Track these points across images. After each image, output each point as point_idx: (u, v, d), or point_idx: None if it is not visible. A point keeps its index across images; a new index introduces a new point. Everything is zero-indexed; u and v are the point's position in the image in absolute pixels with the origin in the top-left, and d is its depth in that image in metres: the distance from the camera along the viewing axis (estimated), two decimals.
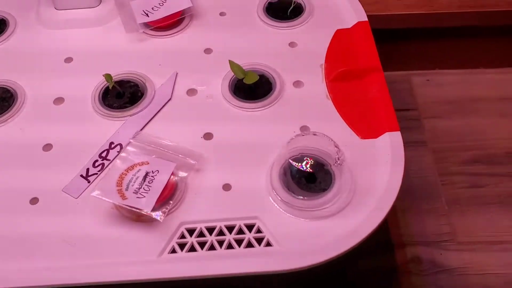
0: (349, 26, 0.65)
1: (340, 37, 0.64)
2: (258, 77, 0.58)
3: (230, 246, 0.49)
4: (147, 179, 0.50)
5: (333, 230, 0.48)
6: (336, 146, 0.49)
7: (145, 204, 0.48)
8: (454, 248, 0.76)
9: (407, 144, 0.87)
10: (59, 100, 0.61)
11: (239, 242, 0.49)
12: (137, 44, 0.66)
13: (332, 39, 0.64)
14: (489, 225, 0.77)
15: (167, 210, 0.49)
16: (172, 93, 0.60)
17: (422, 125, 0.89)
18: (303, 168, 0.49)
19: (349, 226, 0.48)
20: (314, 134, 0.50)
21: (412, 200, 0.79)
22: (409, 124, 0.89)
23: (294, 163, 0.48)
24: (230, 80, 0.61)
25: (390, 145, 0.53)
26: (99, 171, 0.54)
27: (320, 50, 0.63)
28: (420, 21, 0.92)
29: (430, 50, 0.97)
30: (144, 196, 0.49)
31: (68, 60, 0.65)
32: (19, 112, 0.60)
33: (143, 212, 0.48)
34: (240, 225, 0.50)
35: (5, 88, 0.62)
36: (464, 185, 0.82)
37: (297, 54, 0.63)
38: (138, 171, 0.51)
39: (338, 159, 0.48)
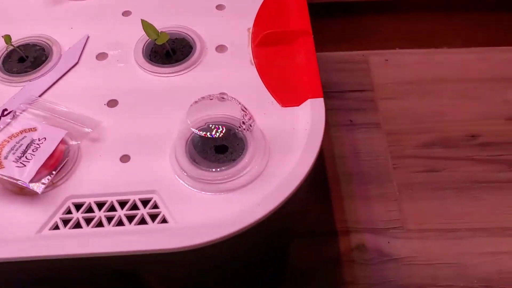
0: None
1: (270, 1, 0.58)
2: (169, 36, 0.52)
3: (120, 223, 0.43)
4: (32, 147, 0.44)
5: (237, 204, 0.43)
6: (243, 109, 0.43)
7: (24, 174, 0.43)
8: (403, 236, 0.70)
9: (359, 126, 0.83)
10: None
11: (131, 218, 0.43)
12: (50, 6, 0.60)
13: (263, 2, 0.58)
14: (441, 212, 0.72)
15: (48, 181, 0.43)
16: (80, 57, 0.54)
17: (376, 106, 0.83)
18: (212, 135, 0.43)
19: (255, 200, 0.43)
20: (222, 98, 0.44)
21: (360, 185, 0.74)
22: (363, 105, 0.83)
23: (201, 133, 0.43)
24: (145, 44, 0.55)
25: (310, 113, 0.48)
26: None
27: (250, 13, 0.57)
28: None
29: (389, 27, 0.91)
30: (25, 165, 0.43)
31: None
32: None
33: (19, 183, 0.42)
34: (134, 200, 0.44)
35: None
36: (418, 169, 0.77)
37: (224, 18, 0.58)
38: (22, 138, 0.45)
39: (243, 123, 0.42)
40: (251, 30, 0.56)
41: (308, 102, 0.48)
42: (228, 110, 0.45)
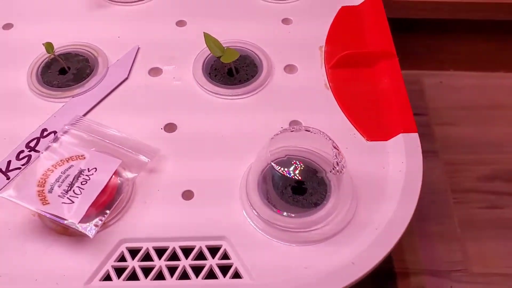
0: (357, 3, 0.53)
1: (346, 15, 0.52)
2: (239, 54, 0.45)
3: (184, 275, 0.36)
4: (80, 179, 0.38)
5: (323, 259, 0.36)
6: (335, 147, 0.36)
7: (72, 213, 0.36)
8: (467, 280, 0.63)
9: None
10: None
11: (197, 270, 0.36)
12: (93, 11, 0.53)
13: (335, 17, 0.52)
14: (508, 254, 0.65)
15: (101, 223, 0.36)
16: (130, 72, 0.48)
17: (432, 132, 0.77)
18: (289, 174, 0.36)
19: (346, 256, 0.36)
20: (307, 130, 0.37)
21: (419, 220, 0.67)
22: (418, 130, 0.76)
23: (277, 168, 0.36)
24: (205, 60, 0.48)
25: (404, 150, 0.41)
26: (23, 165, 0.41)
27: (320, 29, 0.51)
28: (435, 11, 0.80)
29: (444, 47, 0.85)
30: (73, 202, 0.36)
31: (8, 26, 0.52)
32: None
33: (67, 223, 0.35)
34: (200, 247, 0.37)
35: None
36: (480, 205, 0.70)
37: (291, 33, 0.51)
38: (69, 167, 0.38)
39: (337, 164, 0.35)
40: (323, 49, 0.49)
41: (400, 137, 0.42)
42: (311, 144, 0.38)
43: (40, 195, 0.36)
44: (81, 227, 0.35)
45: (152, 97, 0.46)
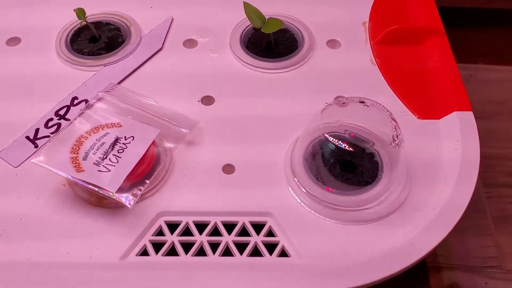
0: None
1: None
2: (282, 23, 0.43)
3: (227, 252, 0.33)
4: (116, 147, 0.35)
5: (379, 240, 0.33)
6: (394, 120, 0.34)
7: (109, 182, 0.33)
8: (502, 277, 0.60)
9: None
10: (14, 40, 0.45)
11: (241, 247, 0.33)
12: None
13: None
14: None
15: (140, 193, 0.34)
16: (163, 42, 0.45)
17: None
18: (343, 147, 0.33)
19: (401, 237, 0.33)
20: (361, 102, 0.35)
21: None
22: None
23: (332, 139, 0.33)
24: (243, 32, 0.46)
25: (459, 129, 0.38)
26: (52, 133, 0.39)
27: (364, 3, 0.48)
28: (465, 1, 0.77)
29: (473, 39, 0.82)
30: (109, 170, 0.34)
31: None
32: None
33: (104, 193, 0.33)
34: (244, 223, 0.34)
35: None
36: None
37: (332, 7, 0.48)
38: (105, 134, 0.36)
39: (397, 137, 0.33)
40: (367, 25, 0.47)
41: (454, 115, 0.39)
42: (364, 118, 0.36)
43: (74, 162, 0.34)
44: (118, 197, 0.33)
45: (187, 69, 0.43)
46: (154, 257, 0.33)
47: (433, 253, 0.62)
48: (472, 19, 0.82)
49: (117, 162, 0.34)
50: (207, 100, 0.41)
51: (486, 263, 0.62)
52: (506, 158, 0.72)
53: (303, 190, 0.35)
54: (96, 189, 0.33)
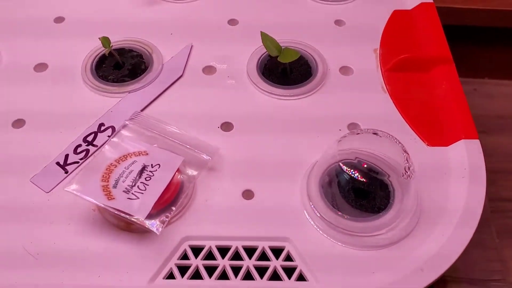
0: (410, 7, 0.53)
1: (399, 19, 0.51)
2: (299, 54, 0.45)
3: (248, 276, 0.36)
4: (144, 175, 0.37)
5: (391, 265, 0.35)
6: (405, 152, 0.36)
7: (138, 209, 0.35)
8: None
9: None
10: (41, 66, 0.48)
11: (261, 271, 0.36)
12: (146, 7, 0.53)
13: (388, 20, 0.51)
14: None
15: (167, 220, 0.36)
16: (184, 69, 0.48)
17: None
18: (356, 177, 0.36)
19: (412, 262, 0.35)
20: (375, 133, 0.37)
21: None
22: None
23: (345, 169, 0.35)
24: (259, 60, 0.48)
25: (466, 157, 0.41)
26: (81, 159, 0.41)
27: (374, 32, 0.50)
28: (470, 18, 0.79)
29: (480, 55, 0.84)
30: (138, 198, 0.36)
31: (59, 20, 0.52)
32: None
33: (133, 219, 0.35)
34: (263, 248, 0.37)
35: None
36: None
37: (344, 35, 0.51)
38: (132, 163, 0.38)
39: (408, 169, 0.35)
40: (378, 51, 0.49)
41: (462, 143, 0.41)
42: (377, 148, 0.38)
43: (105, 190, 0.36)
44: (148, 223, 0.35)
45: (207, 95, 0.46)
46: (180, 281, 0.35)
47: None
48: (478, 36, 0.84)
49: (145, 190, 0.36)
50: (226, 127, 0.43)
51: (490, 277, 0.64)
52: (510, 172, 0.74)
53: (318, 215, 0.37)
54: (127, 216, 0.35)
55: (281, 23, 0.51)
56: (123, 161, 0.38)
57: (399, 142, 0.36)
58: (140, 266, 0.35)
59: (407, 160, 0.35)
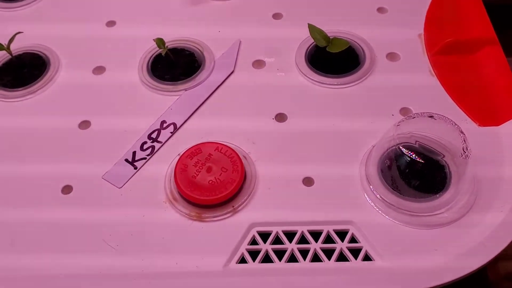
0: None
1: (440, 2, 0.52)
2: (348, 44, 0.46)
3: (316, 258, 0.38)
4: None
5: (452, 242, 0.37)
6: (462, 132, 0.37)
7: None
8: None
9: None
10: (99, 69, 0.50)
11: (328, 253, 0.38)
12: (192, 6, 0.55)
13: (430, 5, 0.52)
14: None
15: (234, 207, 0.38)
16: (235, 65, 0.49)
17: None
18: (416, 158, 0.37)
19: (473, 238, 0.37)
20: (430, 116, 0.38)
21: None
22: None
23: (405, 151, 0.37)
24: (307, 51, 0.50)
25: None
26: (148, 155, 0.43)
27: (416, 17, 0.51)
28: None
29: None
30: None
31: (110, 24, 0.54)
32: (51, 82, 0.49)
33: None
34: (328, 231, 0.38)
35: (35, 54, 0.52)
36: None
37: (388, 22, 0.52)
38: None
39: (466, 149, 0.36)
40: (423, 36, 0.50)
41: None
42: (432, 130, 0.39)
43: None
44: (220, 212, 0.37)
45: (259, 89, 0.47)
46: (252, 264, 0.37)
47: None
48: None
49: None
50: (281, 117, 0.45)
51: None
52: None
53: (379, 197, 0.39)
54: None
55: (324, 14, 0.52)
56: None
57: (455, 124, 0.38)
58: (213, 252, 0.38)
59: (464, 140, 0.37)
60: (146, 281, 0.37)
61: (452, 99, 0.45)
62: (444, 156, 0.39)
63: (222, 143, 0.42)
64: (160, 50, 0.48)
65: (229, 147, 0.41)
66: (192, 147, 0.41)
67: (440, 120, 0.38)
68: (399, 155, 0.38)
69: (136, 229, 0.39)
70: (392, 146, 0.38)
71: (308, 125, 0.44)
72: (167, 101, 0.47)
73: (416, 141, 0.38)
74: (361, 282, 0.35)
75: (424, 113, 0.38)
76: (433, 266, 0.36)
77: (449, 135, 0.38)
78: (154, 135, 0.45)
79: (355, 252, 0.37)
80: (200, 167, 0.40)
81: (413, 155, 0.37)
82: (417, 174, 0.38)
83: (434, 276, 0.35)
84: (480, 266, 0.35)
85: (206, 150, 0.41)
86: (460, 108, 0.44)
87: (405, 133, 0.38)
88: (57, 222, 0.40)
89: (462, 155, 0.36)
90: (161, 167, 0.42)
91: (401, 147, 0.37)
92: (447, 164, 0.39)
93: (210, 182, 0.39)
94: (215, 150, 0.41)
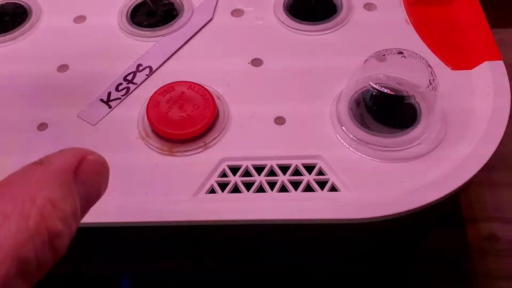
0: None
1: None
2: None
3: (284, 189, 0.38)
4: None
5: (420, 175, 0.37)
6: (429, 66, 0.37)
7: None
8: None
9: None
10: (80, 18, 0.51)
11: (295, 185, 0.38)
12: None
13: None
14: None
15: (206, 143, 0.39)
16: (213, 14, 0.50)
17: None
18: (385, 92, 0.37)
19: (440, 171, 0.37)
20: (400, 53, 0.38)
21: (485, 170, 0.67)
22: None
23: (375, 86, 0.37)
24: (285, 1, 0.50)
25: (491, 77, 0.42)
26: (123, 95, 0.44)
27: None
28: None
29: (507, 2, 0.83)
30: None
31: None
32: (33, 30, 0.50)
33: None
34: (296, 165, 0.39)
35: (17, 3, 0.52)
36: None
37: None
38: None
39: (433, 81, 0.37)
40: None
41: (486, 64, 0.42)
42: (401, 69, 0.39)
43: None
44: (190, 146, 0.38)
45: (236, 36, 0.48)
46: (221, 194, 0.38)
47: (469, 207, 0.66)
48: None
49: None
50: (257, 62, 0.46)
51: None
52: None
53: (350, 135, 0.39)
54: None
55: None
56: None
57: (423, 58, 0.38)
58: (183, 184, 0.38)
59: (431, 73, 0.37)
60: (119, 210, 0.37)
61: (427, 45, 0.45)
62: (415, 97, 0.39)
63: (195, 83, 0.42)
64: None
65: (202, 86, 0.42)
66: (165, 85, 0.42)
67: (409, 58, 0.38)
68: (367, 93, 0.38)
69: (109, 164, 0.40)
70: (361, 83, 0.39)
71: (283, 69, 0.45)
72: (145, 47, 0.48)
73: (383, 73, 0.38)
74: (327, 208, 0.36)
75: (393, 49, 0.39)
76: (399, 196, 0.36)
77: (419, 73, 0.38)
78: (129, 77, 0.45)
79: (323, 184, 0.38)
80: (173, 104, 0.41)
81: (382, 89, 0.37)
82: (385, 109, 0.39)
83: (399, 203, 0.35)
84: (444, 195, 0.35)
85: (179, 88, 0.42)
86: (434, 53, 0.44)
87: (373, 74, 0.38)
88: (32, 157, 0.40)
89: (428, 86, 0.37)
90: (135, 107, 0.43)
91: (370, 83, 0.38)
92: (417, 103, 0.40)
93: (182, 117, 0.40)
94: (188, 89, 0.41)
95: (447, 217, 0.67)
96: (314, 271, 0.50)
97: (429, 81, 0.37)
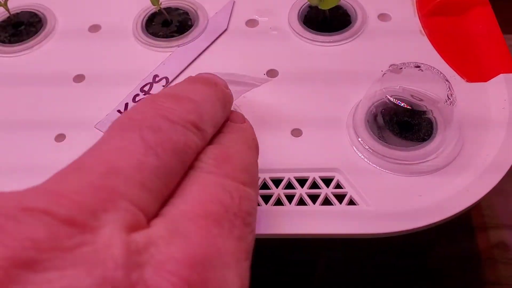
0: None
1: None
2: (339, 1, 0.47)
3: (301, 202, 0.38)
4: None
5: (438, 189, 0.37)
6: (447, 81, 0.38)
7: None
8: None
9: None
10: (95, 27, 0.51)
11: (313, 198, 0.38)
12: None
13: None
14: None
15: None
16: (228, 24, 0.50)
17: None
18: (403, 106, 0.38)
19: (458, 184, 0.37)
20: (417, 67, 0.38)
21: None
22: None
23: (392, 99, 0.37)
24: (299, 11, 0.50)
25: (506, 89, 0.42)
26: None
27: None
28: None
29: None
30: None
31: None
32: (48, 38, 0.50)
33: None
34: (314, 178, 0.39)
35: (33, 12, 0.52)
36: None
37: None
38: None
39: (451, 95, 0.37)
40: None
41: (501, 77, 0.43)
42: (418, 82, 0.40)
43: None
44: None
45: (251, 46, 0.48)
46: None
47: (479, 214, 0.66)
48: None
49: None
50: (272, 73, 0.46)
51: None
52: None
53: (367, 147, 0.39)
54: None
55: None
56: None
57: (441, 72, 0.38)
58: None
59: (449, 88, 0.37)
60: None
61: (442, 57, 0.45)
62: (432, 111, 0.39)
63: None
64: (155, 7, 0.49)
65: None
66: None
67: (427, 71, 0.38)
68: (384, 105, 0.39)
69: None
70: (378, 95, 0.39)
71: (299, 80, 0.45)
72: (160, 57, 0.48)
73: (400, 85, 0.38)
74: (346, 223, 0.36)
75: (410, 63, 0.39)
76: (417, 210, 0.36)
77: (436, 87, 0.38)
78: (146, 88, 0.45)
79: (341, 198, 0.38)
80: None
81: (399, 102, 0.38)
82: (403, 125, 0.39)
83: (417, 219, 0.36)
84: (462, 209, 0.36)
85: None
86: (449, 65, 0.45)
87: (391, 86, 0.38)
88: (50, 167, 0.41)
89: (446, 101, 0.37)
90: None
91: (388, 96, 0.38)
92: (434, 117, 0.40)
93: None
94: None
95: (456, 224, 0.67)
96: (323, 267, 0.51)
97: (447, 95, 0.37)
